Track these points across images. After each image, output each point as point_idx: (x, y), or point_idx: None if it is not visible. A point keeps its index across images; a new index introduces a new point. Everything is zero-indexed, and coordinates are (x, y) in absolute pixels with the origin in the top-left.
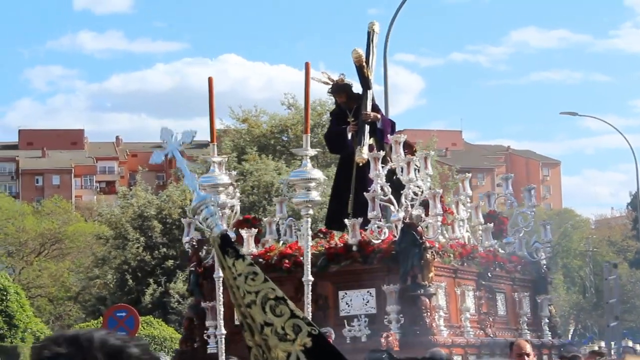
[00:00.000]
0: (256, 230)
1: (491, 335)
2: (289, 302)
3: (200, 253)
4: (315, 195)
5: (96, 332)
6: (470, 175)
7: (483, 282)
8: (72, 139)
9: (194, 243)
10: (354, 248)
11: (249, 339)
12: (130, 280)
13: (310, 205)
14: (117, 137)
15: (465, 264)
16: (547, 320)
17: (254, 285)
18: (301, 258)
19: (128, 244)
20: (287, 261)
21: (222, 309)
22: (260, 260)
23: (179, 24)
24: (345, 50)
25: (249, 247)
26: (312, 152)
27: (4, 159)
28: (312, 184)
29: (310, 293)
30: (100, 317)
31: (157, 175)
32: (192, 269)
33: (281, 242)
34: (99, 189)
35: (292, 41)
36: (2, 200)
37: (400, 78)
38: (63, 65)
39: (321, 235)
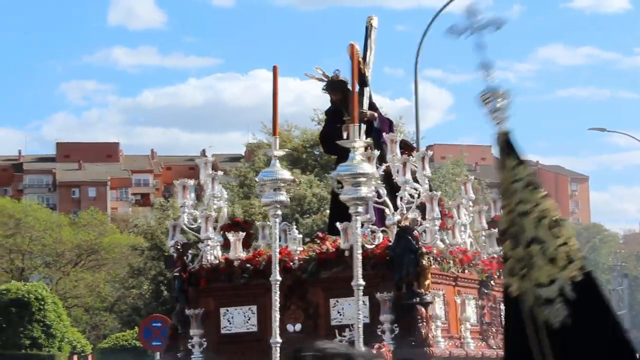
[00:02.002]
0: (244, 233)
1: (494, 347)
2: (567, 227)
3: (185, 257)
4: (365, 191)
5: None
6: (473, 178)
7: (486, 291)
8: (108, 152)
9: (179, 247)
10: (346, 253)
11: (510, 249)
12: (166, 291)
13: (359, 203)
14: (151, 150)
15: (467, 271)
16: None
17: (533, 196)
18: (291, 264)
19: (163, 255)
20: None
21: (277, 316)
22: (248, 265)
23: (211, 39)
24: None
25: (237, 252)
26: (360, 142)
27: (42, 171)
28: (362, 179)
29: (301, 301)
30: (136, 327)
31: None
32: (177, 274)
33: None
34: (134, 201)
35: (321, 57)
36: (40, 212)
37: (429, 94)
38: (97, 80)
39: (318, 241)
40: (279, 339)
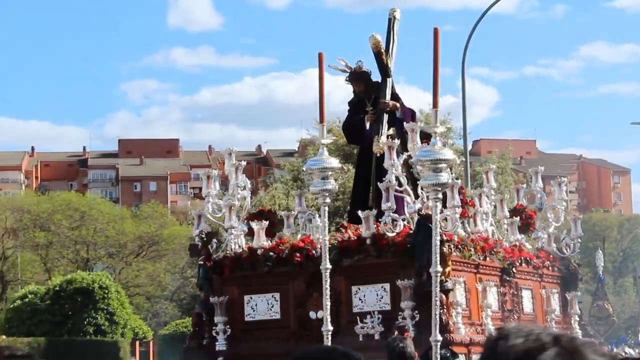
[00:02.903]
0: (267, 222)
1: None
2: None
3: (209, 246)
4: (445, 177)
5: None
6: (494, 167)
7: (507, 278)
8: (168, 148)
9: (203, 236)
10: (368, 241)
11: None
12: None
13: (439, 189)
14: (209, 146)
15: (488, 259)
16: (578, 318)
17: None
18: (313, 252)
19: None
20: (298, 255)
21: (328, 303)
22: (271, 253)
23: (265, 40)
24: (420, 65)
25: (260, 240)
26: (441, 128)
27: (105, 166)
28: (443, 165)
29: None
30: None
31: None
32: (201, 262)
33: (299, 236)
34: (192, 195)
35: (370, 56)
36: (104, 205)
37: (476, 90)
38: (157, 80)
39: (343, 230)
40: (330, 327)
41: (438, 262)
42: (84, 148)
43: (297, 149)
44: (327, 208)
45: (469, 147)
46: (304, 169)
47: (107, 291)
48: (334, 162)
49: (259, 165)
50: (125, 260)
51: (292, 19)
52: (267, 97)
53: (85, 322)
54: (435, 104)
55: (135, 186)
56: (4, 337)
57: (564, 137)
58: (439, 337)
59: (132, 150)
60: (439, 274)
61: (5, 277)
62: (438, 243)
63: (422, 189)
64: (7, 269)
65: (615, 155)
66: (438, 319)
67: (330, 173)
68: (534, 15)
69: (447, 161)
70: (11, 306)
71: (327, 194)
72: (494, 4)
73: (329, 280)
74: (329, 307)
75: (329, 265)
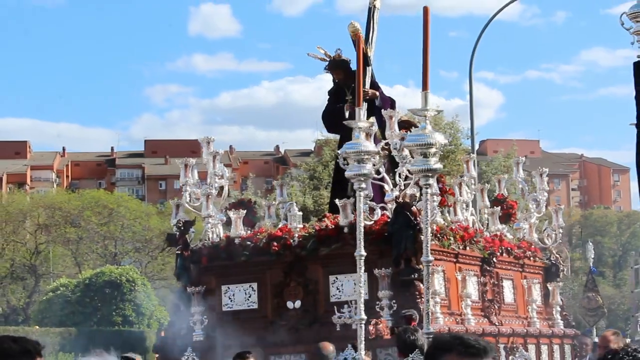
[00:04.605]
0: (245, 211)
1: (496, 323)
2: None
3: (187, 236)
4: (434, 162)
5: None
6: (475, 156)
7: (488, 268)
8: (191, 148)
9: (181, 225)
10: (345, 230)
11: None
12: None
13: (430, 175)
14: (230, 147)
15: (468, 248)
16: (559, 309)
17: None
18: (291, 241)
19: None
20: (275, 244)
21: (362, 291)
22: (248, 242)
23: (282, 46)
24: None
25: (237, 229)
26: (432, 112)
27: (132, 166)
28: (433, 150)
29: (301, 277)
30: None
31: (266, 180)
32: (179, 252)
33: (279, 226)
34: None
35: (381, 61)
36: (131, 202)
37: (482, 93)
38: (179, 84)
39: (323, 220)
40: (364, 315)
41: (429, 252)
42: (112, 148)
43: (313, 149)
44: (362, 193)
45: (476, 147)
46: (340, 152)
47: (134, 284)
48: (371, 146)
49: (277, 164)
50: (151, 255)
51: (307, 25)
52: (284, 99)
53: (114, 313)
54: (425, 86)
55: (161, 184)
56: (37, 327)
57: (566, 137)
58: (431, 330)
59: (158, 150)
60: (429, 264)
61: (38, 270)
62: (429, 231)
63: (399, 176)
64: (40, 263)
65: (615, 154)
66: (426, 311)
67: (366, 157)
68: (536, 22)
69: (436, 145)
70: (44, 298)
71: (362, 179)
72: (499, 11)
73: (363, 268)
74: (362, 294)
75: (363, 252)
